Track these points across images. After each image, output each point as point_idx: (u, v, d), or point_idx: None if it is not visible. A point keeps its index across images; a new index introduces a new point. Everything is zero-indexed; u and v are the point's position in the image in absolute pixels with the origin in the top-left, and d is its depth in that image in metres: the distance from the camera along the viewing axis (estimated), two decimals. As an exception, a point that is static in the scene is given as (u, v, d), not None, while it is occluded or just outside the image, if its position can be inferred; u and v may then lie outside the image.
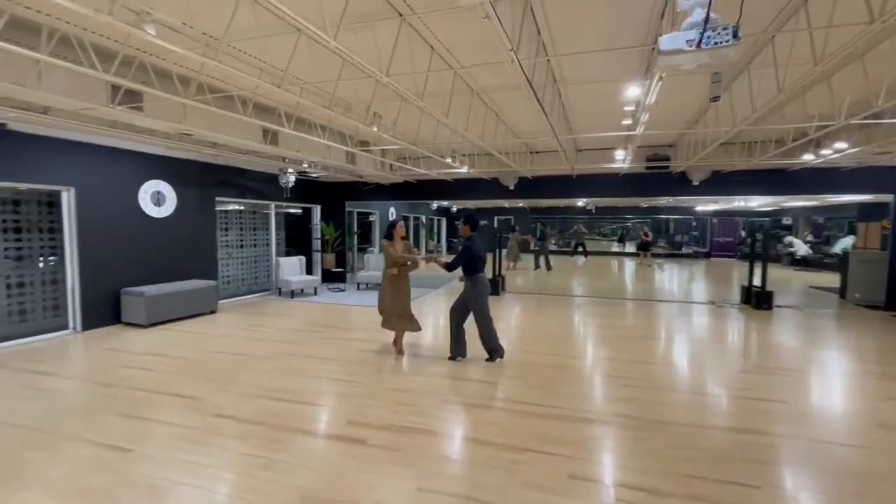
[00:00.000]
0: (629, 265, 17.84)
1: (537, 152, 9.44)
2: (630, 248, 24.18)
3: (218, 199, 8.56)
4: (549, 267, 15.05)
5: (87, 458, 2.95)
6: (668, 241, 24.08)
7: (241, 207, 9.49)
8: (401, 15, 3.49)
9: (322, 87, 4.85)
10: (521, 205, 21.89)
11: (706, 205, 18.26)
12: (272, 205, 10.09)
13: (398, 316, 5.19)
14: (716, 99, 3.68)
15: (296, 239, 11.63)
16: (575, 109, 6.17)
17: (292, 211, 11.40)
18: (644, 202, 19.56)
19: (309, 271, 11.59)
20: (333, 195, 11.69)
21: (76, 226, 6.18)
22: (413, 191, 11.43)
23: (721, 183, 9.14)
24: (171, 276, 7.43)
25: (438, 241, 23.36)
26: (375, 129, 5.35)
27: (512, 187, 10.29)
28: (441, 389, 4.23)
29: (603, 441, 3.25)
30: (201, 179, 8.11)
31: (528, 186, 10.30)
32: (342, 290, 10.33)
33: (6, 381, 4.40)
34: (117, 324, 6.67)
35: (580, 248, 20.83)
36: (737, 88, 4.90)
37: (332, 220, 11.58)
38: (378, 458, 2.98)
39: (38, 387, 4.25)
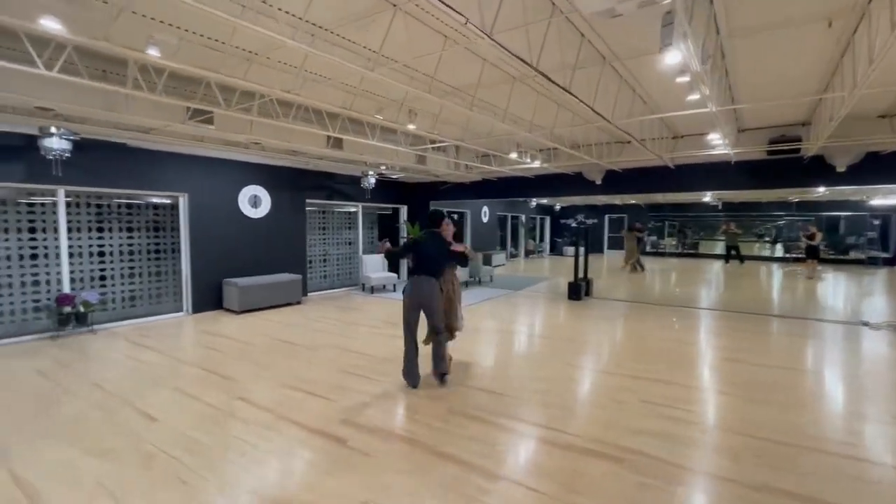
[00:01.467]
0: (776, 272, 14.84)
1: (627, 142, 8.41)
2: (780, 251, 19.98)
3: (308, 201, 9.48)
4: (641, 268, 14.02)
5: (120, 421, 3.49)
6: (833, 243, 19.33)
7: (334, 208, 10.38)
8: None
9: (372, 90, 4.99)
10: (632, 201, 19.88)
11: (888, 197, 14.22)
12: (359, 206, 10.82)
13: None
14: (667, 46, 2.78)
15: (386, 237, 12.28)
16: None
17: (383, 211, 12.07)
18: (793, 195, 16.06)
19: (395, 269, 12.16)
20: (418, 195, 12.06)
21: (188, 226, 7.42)
22: (493, 189, 11.16)
23: (878, 169, 7.02)
24: (265, 270, 8.45)
25: (541, 240, 22.50)
26: (412, 126, 5.33)
27: (598, 182, 9.37)
28: (454, 399, 4.02)
29: None
30: (293, 184, 9.05)
31: (617, 181, 9.25)
32: (421, 288, 10.57)
33: (121, 350, 5.47)
34: (219, 309, 7.83)
35: (733, 253, 16.27)
36: None
37: (417, 219, 11.94)
38: (345, 460, 2.94)
39: (137, 357, 5.19)
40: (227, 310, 7.74)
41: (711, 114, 4.57)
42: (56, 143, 5.34)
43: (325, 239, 10.28)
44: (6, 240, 5.78)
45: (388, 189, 11.36)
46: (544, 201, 19.80)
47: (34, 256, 6.04)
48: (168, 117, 4.94)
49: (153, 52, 3.24)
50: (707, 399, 4.01)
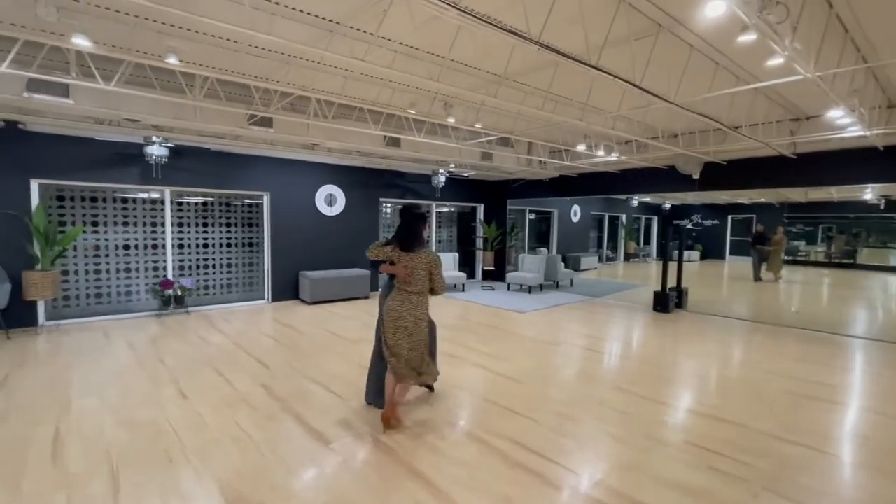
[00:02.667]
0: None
1: (737, 127, 7.05)
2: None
3: (381, 199, 9.80)
4: (757, 277, 12.10)
5: (156, 396, 3.89)
6: None
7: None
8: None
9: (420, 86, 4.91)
10: (762, 200, 16.86)
11: None
12: (432, 204, 10.87)
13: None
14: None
15: (466, 237, 12.20)
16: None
17: (462, 210, 11.99)
18: None
19: (470, 268, 12.00)
20: (494, 194, 11.71)
21: (270, 222, 8.17)
22: (573, 185, 10.30)
23: None
24: (337, 265, 8.95)
25: (646, 242, 20.35)
26: (452, 119, 5.08)
27: (696, 175, 8.04)
28: (464, 414, 3.71)
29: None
30: (367, 183, 9.43)
31: (718, 175, 7.83)
32: (491, 290, 10.25)
33: (198, 331, 6.20)
34: (295, 300, 8.50)
35: None
36: None
37: (494, 218, 11.63)
38: (317, 462, 2.87)
39: (206, 339, 5.83)
40: (302, 300, 8.36)
41: (822, 85, 3.51)
42: (156, 150, 6.27)
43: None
44: (126, 231, 6.98)
45: (464, 187, 11.23)
46: (647, 199, 17.83)
47: (154, 247, 7.20)
48: (231, 122, 5.43)
49: (172, 60, 3.53)
50: (789, 453, 3.09)
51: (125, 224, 7.01)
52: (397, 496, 2.53)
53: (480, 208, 11.95)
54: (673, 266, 8.19)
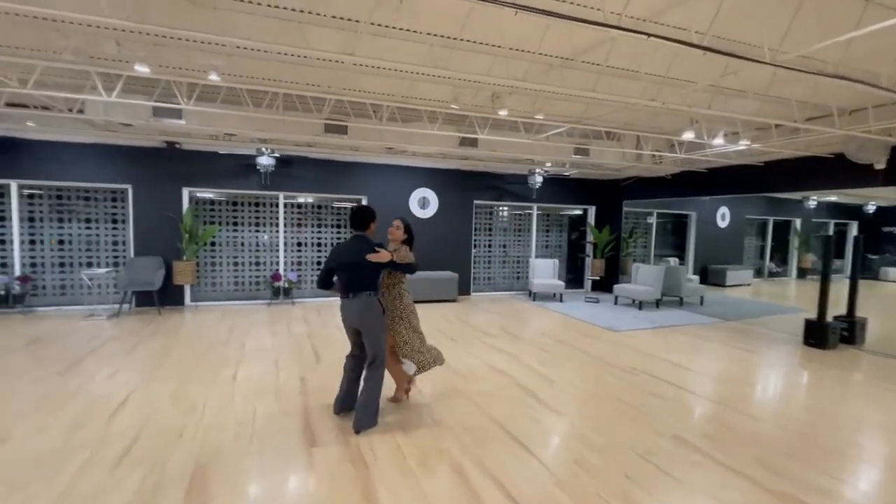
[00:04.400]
0: None
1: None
2: None
3: (476, 202, 9.62)
4: None
5: (214, 377, 4.41)
6: None
7: (503, 209, 10.22)
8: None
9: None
10: None
11: None
12: (534, 206, 10.24)
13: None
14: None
15: (577, 242, 11.23)
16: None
17: (572, 212, 11.06)
18: None
19: (579, 277, 10.98)
20: (608, 194, 10.47)
21: (366, 223, 8.71)
22: (702, 182, 8.52)
23: None
24: (427, 266, 9.07)
25: (838, 256, 15.82)
26: (505, 112, 4.61)
27: (880, 165, 5.86)
28: (462, 435, 3.33)
29: None
30: (461, 185, 9.37)
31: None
32: (595, 302, 9.16)
33: (290, 320, 6.93)
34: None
35: None
36: None
37: (608, 222, 10.42)
38: (291, 460, 2.86)
39: (290, 329, 6.47)
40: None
41: None
42: (265, 160, 7.23)
43: (491, 241, 10.21)
44: (245, 230, 8.24)
45: (568, 188, 10.30)
46: (832, 198, 13.85)
47: (260, 244, 8.38)
48: (309, 131, 5.93)
49: (214, 77, 3.95)
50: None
51: (256, 224, 8.29)
52: (333, 517, 2.35)
53: (591, 211, 10.82)
54: (842, 286, 6.15)
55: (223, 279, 8.18)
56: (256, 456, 2.92)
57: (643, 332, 6.70)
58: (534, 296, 9.33)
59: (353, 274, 3.26)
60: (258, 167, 7.36)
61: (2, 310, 6.81)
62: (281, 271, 8.27)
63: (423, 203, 9.11)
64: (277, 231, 8.37)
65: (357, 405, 3.35)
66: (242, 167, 7.72)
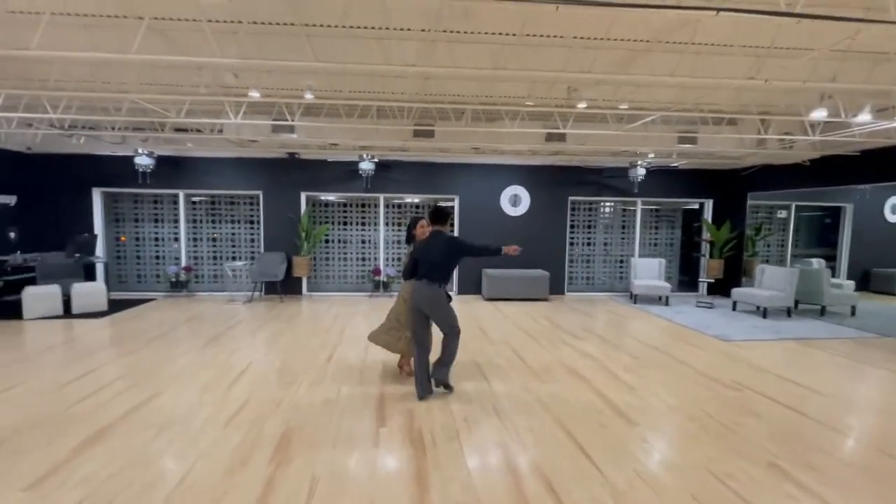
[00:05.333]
0: None
1: None
2: None
3: (571, 198, 9.26)
4: None
5: (272, 364, 5.04)
6: None
7: (603, 205, 9.66)
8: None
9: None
10: None
11: None
12: (637, 201, 9.48)
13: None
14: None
15: (690, 240, 10.16)
16: None
17: (688, 206, 10.01)
18: None
19: (693, 279, 9.89)
20: (728, 186, 9.21)
21: (459, 221, 8.99)
22: (854, 169, 7.02)
23: None
24: (519, 264, 9.00)
25: None
26: (584, 104, 4.39)
27: None
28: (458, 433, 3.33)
29: None
30: (554, 181, 9.11)
31: None
32: (709, 307, 8.17)
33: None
34: (477, 294, 9.07)
35: None
36: None
37: (728, 216, 9.19)
38: (359, 437, 3.20)
39: (369, 321, 7.01)
40: (483, 296, 8.87)
41: None
42: (365, 165, 7.93)
43: (590, 238, 9.71)
44: (353, 229, 9.10)
45: (678, 180, 9.31)
46: None
47: (364, 242, 9.18)
48: (399, 137, 6.36)
49: (308, 96, 4.47)
50: None
51: (362, 224, 9.16)
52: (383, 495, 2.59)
53: (708, 205, 9.64)
54: None
55: (334, 272, 9.17)
56: (333, 429, 3.32)
57: (762, 344, 5.83)
58: (635, 298, 8.67)
59: (435, 265, 3.72)
60: (360, 172, 8.10)
61: (173, 293, 8.60)
62: (381, 266, 8.99)
63: (515, 201, 9.08)
64: (378, 229, 9.11)
65: (436, 362, 3.91)
66: (348, 172, 8.57)
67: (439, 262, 3.73)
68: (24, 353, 5.07)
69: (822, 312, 7.65)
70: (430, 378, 3.92)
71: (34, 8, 3.22)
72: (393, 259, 9.20)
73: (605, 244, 9.77)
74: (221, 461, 2.84)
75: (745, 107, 5.60)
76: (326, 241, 9.06)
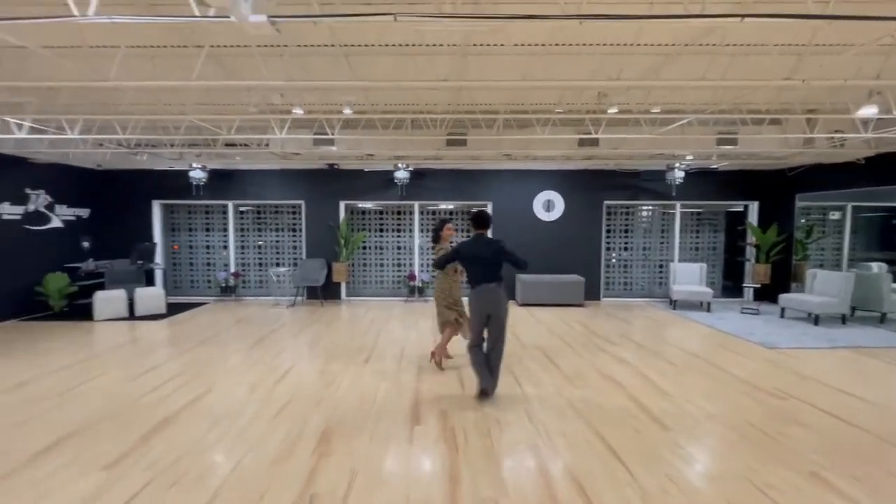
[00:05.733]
0: None
1: None
2: None
3: (607, 202, 9.15)
4: None
5: (313, 360, 5.27)
6: None
7: (640, 209, 9.47)
8: None
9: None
10: None
11: None
12: (676, 204, 9.23)
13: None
14: None
15: (734, 244, 9.77)
16: None
17: (732, 209, 9.64)
18: None
19: (737, 284, 9.49)
20: (775, 187, 8.81)
21: (492, 228, 9.06)
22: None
23: None
24: (553, 270, 8.98)
25: None
26: (615, 109, 4.39)
27: None
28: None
29: None
30: (589, 186, 9.03)
31: None
32: (755, 313, 7.83)
33: (416, 318, 7.71)
34: (511, 299, 9.07)
35: None
36: None
37: (775, 219, 8.79)
38: (393, 432, 3.35)
39: (417, 324, 7.20)
40: (517, 302, 8.89)
41: None
42: (400, 174, 8.18)
43: (627, 243, 9.52)
44: (389, 236, 9.38)
45: (720, 181, 9.00)
46: None
47: (399, 248, 9.43)
48: (432, 147, 6.55)
49: (347, 111, 4.72)
50: None
51: (398, 231, 9.44)
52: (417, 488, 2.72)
53: (753, 207, 9.25)
54: None
55: (371, 278, 9.48)
56: (370, 425, 3.50)
57: (812, 353, 5.56)
58: (674, 304, 8.43)
59: (487, 266, 3.92)
60: (396, 180, 8.37)
61: (223, 297, 9.16)
62: (416, 272, 9.20)
63: (548, 206, 9.07)
64: (413, 236, 9.34)
65: (491, 374, 4.00)
66: (384, 181, 8.86)
67: (491, 260, 3.94)
68: (97, 350, 5.59)
69: (882, 320, 7.16)
70: (490, 370, 4.01)
71: (113, 42, 3.63)
72: (427, 265, 9.40)
73: (644, 248, 9.56)
74: (269, 452, 3.08)
75: (789, 105, 5.41)
76: (364, 248, 9.38)
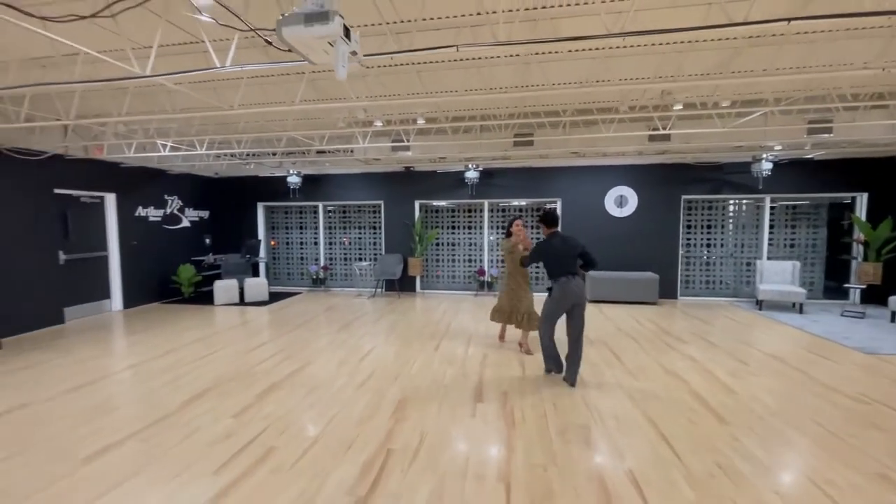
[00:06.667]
0: None
1: None
2: None
3: (685, 197, 8.78)
4: None
5: (369, 354, 5.81)
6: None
7: (724, 203, 8.93)
8: None
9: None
10: None
11: None
12: (766, 198, 8.58)
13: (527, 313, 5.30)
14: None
15: (837, 241, 8.86)
16: None
17: (837, 200, 8.75)
18: None
19: (840, 283, 8.60)
20: (891, 177, 7.83)
21: (560, 225, 9.15)
22: None
23: None
24: (625, 266, 8.85)
25: None
26: (680, 106, 4.37)
27: None
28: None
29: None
30: (665, 180, 8.74)
31: None
32: (859, 317, 7.10)
33: (465, 309, 8.09)
34: (580, 296, 9.10)
35: None
36: None
37: (889, 213, 7.84)
38: (457, 411, 3.79)
39: (458, 315, 7.58)
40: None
41: None
42: (470, 174, 8.61)
43: (709, 239, 9.03)
44: (460, 233, 9.86)
45: (817, 172, 8.19)
46: None
47: (470, 244, 9.87)
48: (500, 148, 6.88)
49: (420, 121, 5.20)
50: None
51: (469, 228, 9.92)
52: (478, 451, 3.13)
53: (861, 199, 8.30)
54: None
55: (443, 272, 10.05)
56: (439, 400, 3.98)
57: (918, 360, 5.03)
58: (760, 304, 7.90)
59: (572, 260, 4.34)
60: (466, 180, 8.82)
61: (314, 287, 10.31)
62: (485, 267, 9.59)
63: (621, 202, 8.94)
64: (483, 233, 9.74)
65: (572, 364, 4.30)
66: (456, 181, 9.36)
67: (573, 255, 4.35)
68: (218, 328, 6.76)
69: None
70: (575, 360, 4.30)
71: (238, 75, 4.48)
72: (497, 261, 9.74)
73: (728, 245, 9.02)
74: (355, 414, 3.69)
75: (893, 87, 4.94)
76: (437, 244, 9.98)
